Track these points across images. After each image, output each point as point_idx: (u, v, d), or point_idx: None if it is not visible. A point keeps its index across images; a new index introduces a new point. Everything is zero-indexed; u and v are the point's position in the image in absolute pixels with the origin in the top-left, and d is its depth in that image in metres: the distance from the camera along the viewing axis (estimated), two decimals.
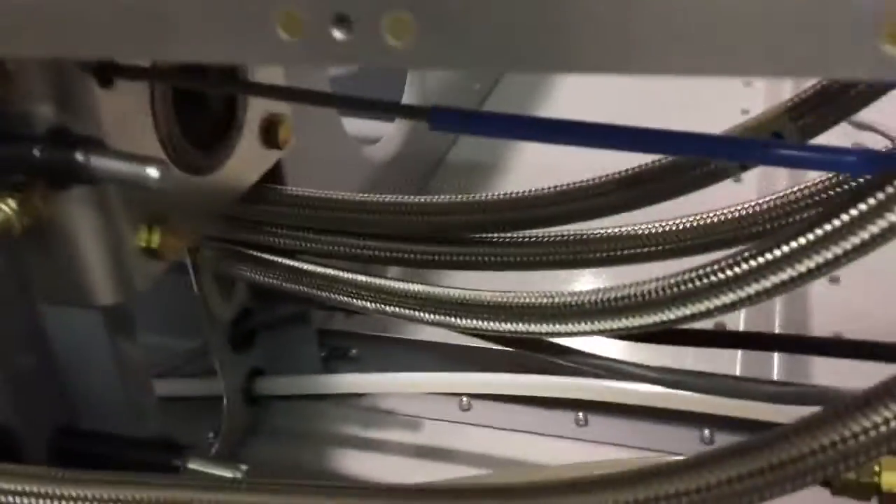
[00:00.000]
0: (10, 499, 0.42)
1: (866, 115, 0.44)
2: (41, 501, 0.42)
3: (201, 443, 0.65)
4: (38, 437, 0.47)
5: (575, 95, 1.15)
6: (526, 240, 0.54)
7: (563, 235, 0.53)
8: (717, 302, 0.39)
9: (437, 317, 0.52)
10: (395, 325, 0.73)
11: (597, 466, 0.47)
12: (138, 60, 0.38)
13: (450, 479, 0.60)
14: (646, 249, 0.52)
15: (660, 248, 0.51)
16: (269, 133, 0.54)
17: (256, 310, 0.66)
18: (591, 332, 0.45)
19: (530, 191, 0.53)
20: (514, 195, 0.53)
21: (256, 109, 0.53)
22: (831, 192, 0.44)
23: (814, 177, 0.44)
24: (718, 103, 0.89)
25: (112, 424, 0.48)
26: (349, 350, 0.72)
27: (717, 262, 0.39)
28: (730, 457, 0.36)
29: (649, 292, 0.42)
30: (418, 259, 0.56)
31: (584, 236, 0.52)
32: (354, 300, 0.56)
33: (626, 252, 0.52)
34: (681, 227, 0.50)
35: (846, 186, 0.43)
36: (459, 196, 0.54)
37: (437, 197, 0.55)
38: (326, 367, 0.71)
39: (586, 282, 0.75)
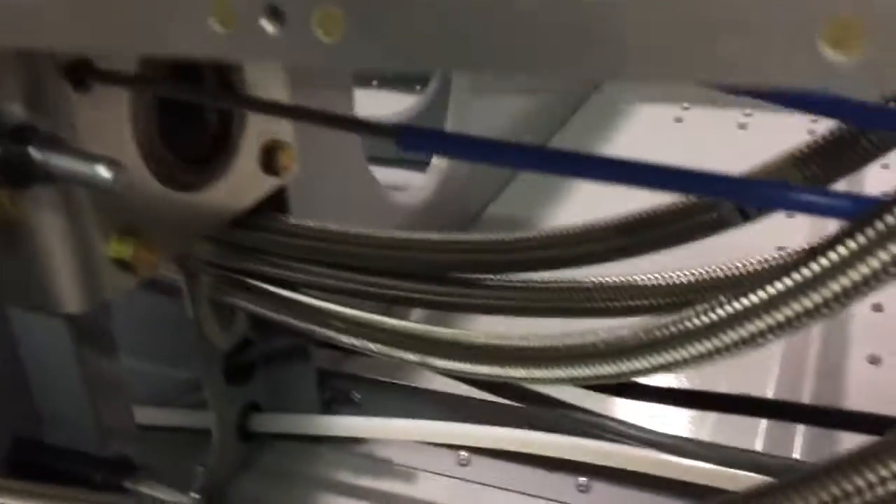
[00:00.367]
0: None
1: None
2: None
3: (190, 475, 0.64)
4: None
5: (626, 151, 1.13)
6: (522, 285, 0.52)
7: (566, 282, 0.51)
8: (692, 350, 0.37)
9: (418, 356, 0.50)
10: (401, 371, 0.71)
11: None
12: (71, 49, 0.38)
13: None
14: (647, 301, 0.49)
15: (663, 300, 0.48)
16: (270, 158, 0.54)
17: (255, 342, 0.64)
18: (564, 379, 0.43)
19: (529, 232, 0.51)
20: (513, 236, 0.51)
21: (256, 132, 0.53)
22: None
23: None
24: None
25: (73, 440, 0.47)
26: (352, 394, 0.70)
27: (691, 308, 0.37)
28: None
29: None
30: (416, 299, 0.55)
31: (583, 284, 0.50)
32: (340, 335, 0.54)
33: (624, 304, 0.49)
34: (683, 280, 0.48)
35: None
36: (461, 235, 0.53)
37: (437, 234, 0.53)
38: (328, 410, 0.69)
39: None
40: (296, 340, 0.63)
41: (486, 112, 0.99)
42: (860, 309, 0.81)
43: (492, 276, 0.53)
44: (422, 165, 0.96)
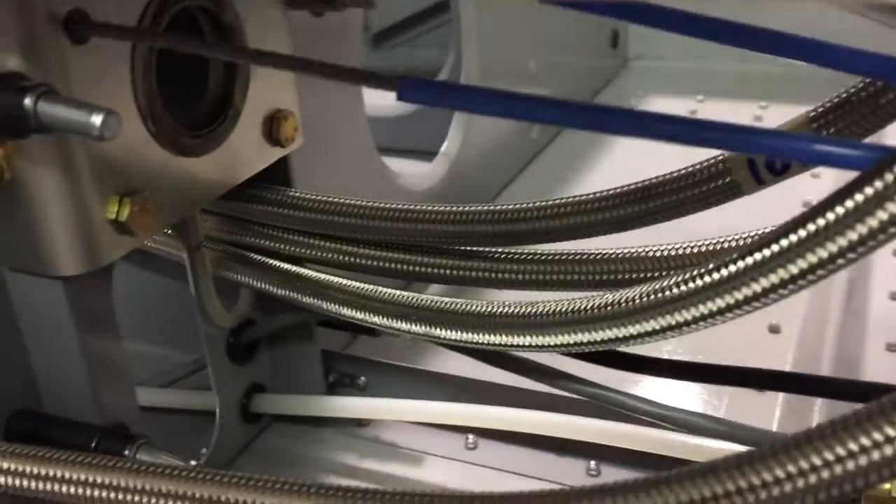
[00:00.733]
0: None
1: None
2: None
3: (192, 456, 0.62)
4: None
5: (635, 146, 1.12)
6: (528, 256, 0.50)
7: (571, 253, 0.49)
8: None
9: (423, 327, 0.49)
10: (408, 354, 0.70)
11: None
12: None
13: None
14: (656, 274, 0.48)
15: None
16: (273, 128, 0.53)
17: (259, 321, 0.63)
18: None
19: (535, 202, 0.50)
20: (523, 205, 0.50)
21: (260, 101, 0.52)
22: None
23: None
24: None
25: (71, 409, 0.46)
26: (357, 377, 0.68)
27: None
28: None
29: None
30: (423, 273, 0.54)
31: (589, 256, 0.49)
32: (343, 308, 0.53)
33: (639, 276, 0.48)
34: (695, 251, 0.46)
35: None
36: (469, 206, 0.52)
37: (444, 206, 0.52)
38: (332, 393, 0.68)
39: None
40: (299, 317, 0.62)
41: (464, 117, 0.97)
42: (877, 297, 0.79)
43: (499, 249, 0.52)
44: (429, 156, 0.95)
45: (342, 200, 0.54)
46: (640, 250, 0.47)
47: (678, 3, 0.37)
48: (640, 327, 0.39)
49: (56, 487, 0.39)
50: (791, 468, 0.28)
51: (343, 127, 0.72)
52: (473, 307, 0.48)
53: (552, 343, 0.43)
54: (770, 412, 0.62)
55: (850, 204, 0.30)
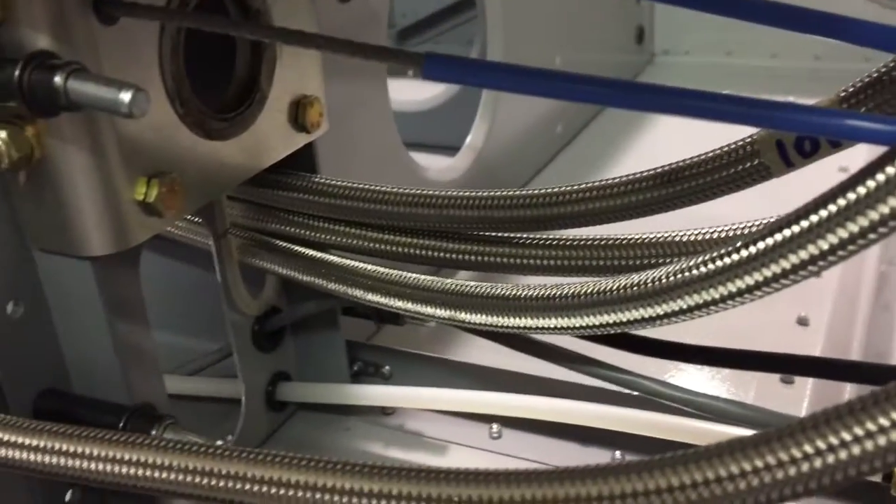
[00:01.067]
0: None
1: None
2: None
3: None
4: (24, 395, 0.46)
5: (659, 141, 1.12)
6: (554, 242, 0.50)
7: (597, 239, 0.49)
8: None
9: (447, 311, 0.49)
10: (432, 343, 0.70)
11: None
12: None
13: None
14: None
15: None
16: (299, 113, 0.53)
17: (284, 309, 0.64)
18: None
19: (561, 187, 0.49)
20: (544, 190, 0.50)
21: (287, 86, 0.52)
22: None
23: None
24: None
25: (99, 389, 0.47)
26: (382, 367, 0.68)
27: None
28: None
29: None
30: (443, 258, 0.53)
31: (615, 241, 0.48)
32: (368, 293, 0.53)
33: (657, 260, 0.47)
34: (722, 235, 0.46)
35: None
36: (494, 191, 0.51)
37: (469, 191, 0.52)
38: (357, 383, 0.68)
39: None
40: (324, 305, 0.62)
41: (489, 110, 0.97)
42: None
43: (525, 235, 0.51)
44: (452, 151, 0.95)
45: (368, 186, 0.54)
46: (666, 235, 0.47)
47: None
48: (667, 307, 0.38)
49: (85, 464, 0.40)
50: (808, 448, 0.28)
51: (367, 116, 0.72)
52: (498, 290, 0.47)
53: (578, 325, 0.43)
54: (799, 402, 0.61)
55: (881, 177, 0.30)
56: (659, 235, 0.47)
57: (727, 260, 0.36)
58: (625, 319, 0.41)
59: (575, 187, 0.49)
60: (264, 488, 0.37)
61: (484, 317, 0.48)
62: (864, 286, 0.79)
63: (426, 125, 1.09)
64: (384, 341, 0.71)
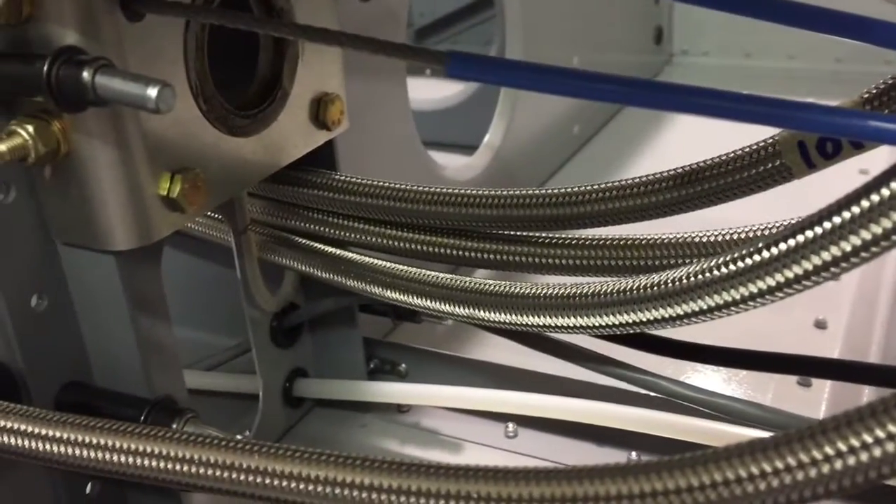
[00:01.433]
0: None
1: None
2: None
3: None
4: (46, 387, 0.46)
5: (678, 142, 1.12)
6: (573, 241, 0.50)
7: (617, 238, 0.49)
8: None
9: (466, 310, 0.49)
10: (448, 341, 0.70)
11: None
12: None
13: None
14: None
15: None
16: (320, 111, 0.53)
17: (302, 306, 0.64)
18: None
19: (581, 186, 0.49)
20: (563, 190, 0.50)
21: (308, 84, 0.52)
22: None
23: None
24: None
25: (121, 382, 0.47)
26: (398, 364, 0.69)
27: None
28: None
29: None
30: (463, 257, 0.54)
31: (635, 241, 0.48)
32: (387, 291, 0.54)
33: (676, 261, 0.47)
34: (742, 236, 0.46)
35: None
36: (513, 190, 0.51)
37: (487, 190, 0.52)
38: (373, 380, 0.69)
39: None
40: (342, 302, 0.62)
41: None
42: None
43: (544, 234, 0.51)
44: (470, 150, 0.96)
45: (387, 184, 0.54)
46: (686, 235, 0.47)
47: None
48: (686, 307, 0.38)
49: (107, 456, 0.40)
50: (828, 450, 0.28)
51: (387, 114, 0.73)
52: (516, 289, 0.48)
53: (596, 324, 0.43)
54: (816, 405, 0.61)
55: None
56: (679, 236, 0.47)
57: (749, 261, 0.36)
58: (644, 319, 0.41)
59: (595, 187, 0.49)
60: (284, 483, 0.37)
61: (502, 315, 0.48)
62: (882, 289, 0.79)
63: (444, 124, 1.10)
64: (401, 339, 0.72)
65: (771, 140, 0.44)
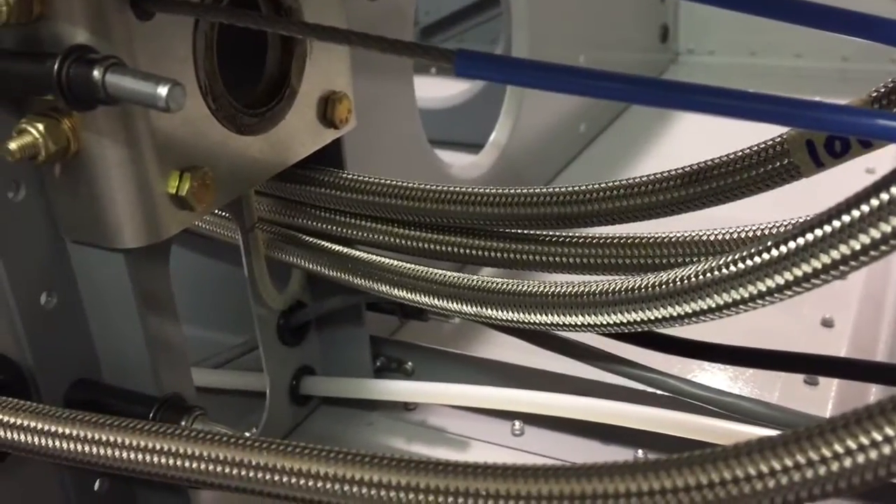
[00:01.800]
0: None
1: None
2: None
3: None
4: (56, 384, 0.46)
5: (684, 139, 1.12)
6: (580, 240, 0.50)
7: (624, 237, 0.49)
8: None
9: (473, 308, 0.49)
10: (455, 340, 0.70)
11: None
12: None
13: None
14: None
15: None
16: (327, 109, 0.53)
17: (309, 304, 0.64)
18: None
19: (588, 184, 0.49)
20: (570, 188, 0.50)
21: (316, 82, 0.52)
22: None
23: None
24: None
25: (130, 380, 0.47)
26: (405, 362, 0.69)
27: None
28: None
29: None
30: (470, 255, 0.54)
31: (642, 239, 0.48)
32: (394, 289, 0.54)
33: (683, 259, 0.47)
34: (750, 234, 0.46)
35: None
36: (520, 188, 0.52)
37: (494, 189, 0.52)
38: (380, 378, 0.69)
39: None
40: (349, 300, 0.62)
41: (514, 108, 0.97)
42: None
43: (551, 232, 0.52)
44: (476, 148, 0.96)
45: (394, 182, 0.54)
46: (694, 234, 0.47)
47: None
48: (694, 306, 0.38)
49: (116, 453, 0.40)
50: (837, 447, 0.28)
51: (393, 113, 0.73)
52: (524, 287, 0.48)
53: (604, 322, 0.43)
54: (823, 403, 0.61)
55: None
56: (686, 234, 0.47)
57: (756, 259, 0.36)
58: (651, 318, 0.41)
59: (601, 185, 0.49)
60: (293, 479, 0.37)
61: (509, 313, 0.48)
62: (889, 288, 0.79)
63: (450, 122, 1.10)
64: (407, 337, 0.72)
65: (779, 139, 0.44)
